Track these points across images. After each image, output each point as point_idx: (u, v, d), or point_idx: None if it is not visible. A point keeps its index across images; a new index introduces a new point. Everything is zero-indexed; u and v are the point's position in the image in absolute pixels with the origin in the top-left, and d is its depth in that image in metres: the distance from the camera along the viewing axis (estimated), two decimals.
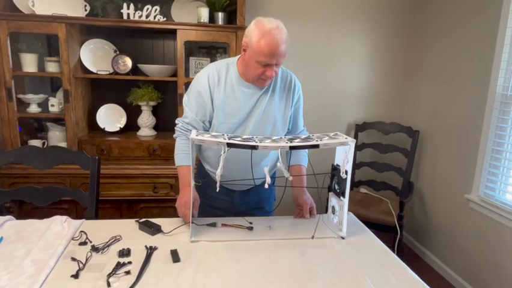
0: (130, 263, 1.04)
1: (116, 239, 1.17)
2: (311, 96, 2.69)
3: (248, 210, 1.42)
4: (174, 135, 1.38)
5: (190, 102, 1.34)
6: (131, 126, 2.42)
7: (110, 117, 2.37)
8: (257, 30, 1.19)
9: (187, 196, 1.24)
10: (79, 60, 2.20)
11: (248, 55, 1.23)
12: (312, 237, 1.23)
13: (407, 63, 2.75)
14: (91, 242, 1.15)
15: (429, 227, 2.55)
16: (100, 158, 1.51)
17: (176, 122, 1.38)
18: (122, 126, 2.38)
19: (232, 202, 1.43)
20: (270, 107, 1.33)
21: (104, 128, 2.34)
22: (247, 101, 1.31)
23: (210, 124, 1.34)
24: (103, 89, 2.41)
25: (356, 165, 2.68)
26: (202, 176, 1.46)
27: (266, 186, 1.11)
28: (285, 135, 1.41)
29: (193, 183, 1.21)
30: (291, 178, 1.15)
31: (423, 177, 2.62)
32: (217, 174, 1.14)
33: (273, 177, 1.49)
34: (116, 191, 2.08)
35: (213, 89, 1.31)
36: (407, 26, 2.70)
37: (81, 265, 1.03)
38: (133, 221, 1.30)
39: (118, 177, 2.07)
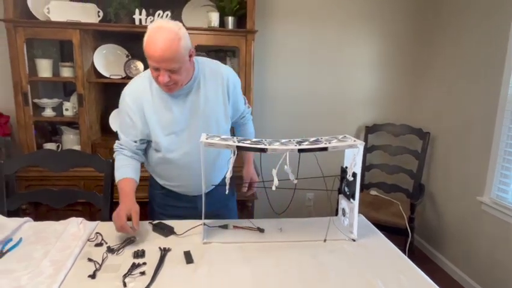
0: (144, 263, 1.07)
1: (130, 241, 1.19)
2: (320, 98, 2.70)
3: (214, 211, 1.40)
4: (114, 155, 1.34)
5: (120, 124, 1.30)
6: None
7: None
8: (147, 30, 1.12)
9: (120, 207, 1.17)
10: (92, 65, 2.25)
11: None
12: (325, 241, 1.23)
13: (417, 64, 2.74)
14: (106, 243, 1.18)
15: (440, 229, 2.53)
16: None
17: (114, 145, 1.35)
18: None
19: (196, 207, 1.38)
20: (207, 110, 1.28)
21: (116, 132, 2.36)
22: (179, 108, 1.26)
23: (147, 142, 1.32)
24: (115, 93, 2.42)
25: (365, 168, 2.67)
26: (157, 189, 1.43)
27: (274, 188, 1.10)
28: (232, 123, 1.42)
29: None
30: (296, 181, 1.15)
31: (434, 179, 2.60)
32: (227, 176, 1.14)
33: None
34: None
35: (140, 106, 1.25)
36: (417, 27, 2.69)
37: (97, 266, 1.05)
38: (146, 222, 1.32)
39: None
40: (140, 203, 2.08)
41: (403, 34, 2.69)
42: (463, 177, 2.32)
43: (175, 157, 1.31)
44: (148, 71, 1.27)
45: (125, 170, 1.27)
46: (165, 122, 1.27)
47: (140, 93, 1.27)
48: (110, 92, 2.46)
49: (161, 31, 1.10)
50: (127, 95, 1.27)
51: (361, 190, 1.20)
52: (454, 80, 2.42)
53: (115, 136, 2.38)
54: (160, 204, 1.45)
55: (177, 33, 1.12)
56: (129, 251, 1.14)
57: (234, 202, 1.59)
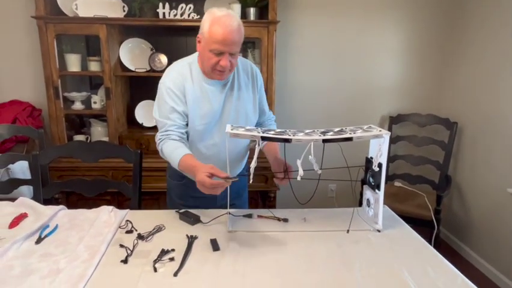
0: (173, 250, 1.10)
1: (159, 228, 1.23)
2: (343, 88, 2.66)
3: (230, 201, 1.41)
4: (159, 148, 1.31)
5: (162, 111, 1.30)
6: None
7: (148, 113, 2.46)
8: (208, 19, 1.20)
9: (198, 175, 1.12)
10: (118, 59, 2.30)
11: (202, 46, 1.24)
12: (348, 231, 1.24)
13: (445, 52, 2.65)
14: (136, 230, 1.22)
15: (468, 222, 2.46)
16: (142, 152, 1.59)
17: (155, 137, 1.33)
18: None
19: (215, 198, 1.42)
20: (240, 101, 1.34)
21: (142, 124, 2.44)
22: (217, 99, 1.31)
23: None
24: (140, 86, 2.50)
25: (390, 159, 2.63)
26: (177, 178, 1.45)
27: (298, 178, 1.12)
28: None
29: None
30: (320, 171, 1.17)
31: (461, 171, 2.53)
32: (252, 166, 1.17)
33: (245, 167, 1.49)
34: (155, 183, 2.17)
35: (182, 92, 1.28)
36: (446, 15, 2.59)
37: (129, 251, 1.10)
38: (173, 211, 1.35)
39: (156, 170, 2.15)
40: (158, 192, 2.10)
41: (431, 20, 2.60)
42: (492, 168, 2.25)
43: (203, 147, 1.34)
44: (187, 59, 1.33)
45: (181, 150, 1.25)
46: (204, 112, 1.30)
47: (183, 79, 1.30)
48: (135, 85, 2.51)
49: (230, 17, 1.19)
50: (169, 80, 1.29)
51: (385, 182, 1.20)
52: (485, 69, 2.32)
53: (141, 128, 2.49)
54: (180, 194, 1.47)
55: (240, 19, 1.22)
56: (158, 237, 1.18)
57: (246, 193, 1.61)
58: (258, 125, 1.49)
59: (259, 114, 1.46)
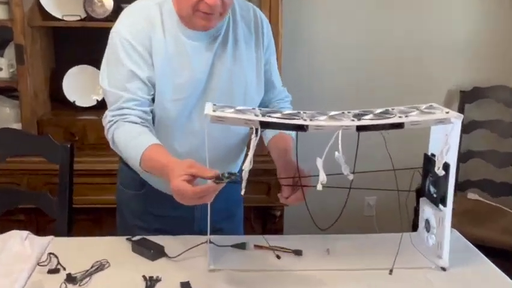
0: None
1: (101, 265, 1.22)
2: (387, 48, 2.67)
3: (214, 223, 1.41)
4: (109, 136, 1.33)
5: (116, 74, 1.31)
6: None
7: (83, 86, 2.43)
8: None
9: (173, 181, 1.10)
10: (37, 1, 2.27)
11: None
12: (390, 272, 1.23)
13: None
14: (64, 269, 1.20)
15: None
16: (74, 147, 1.58)
17: (103, 117, 1.36)
18: (100, 99, 2.43)
19: (192, 218, 1.47)
20: (236, 66, 1.37)
21: (74, 102, 2.42)
22: (201, 61, 1.33)
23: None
24: (72, 43, 2.49)
25: (461, 156, 2.62)
26: (134, 187, 1.48)
27: (319, 187, 1.10)
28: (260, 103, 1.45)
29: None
30: (351, 176, 1.17)
31: None
32: (245, 169, 1.14)
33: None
34: (95, 195, 2.17)
35: (145, 44, 1.29)
36: None
37: None
38: (123, 239, 1.34)
39: (97, 175, 2.14)
40: (102, 210, 2.11)
41: None
42: None
43: (177, 138, 1.37)
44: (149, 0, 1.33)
45: (144, 138, 1.25)
46: (180, 81, 1.32)
47: (149, 28, 1.30)
48: (63, 43, 2.49)
49: None
50: (127, 29, 1.30)
51: (454, 192, 1.19)
52: None
53: (72, 109, 2.46)
54: (138, 212, 1.49)
55: None
56: (99, 281, 1.16)
57: (241, 210, 1.63)
58: (263, 105, 1.49)
59: (266, 89, 1.47)
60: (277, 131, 1.43)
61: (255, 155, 1.15)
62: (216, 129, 1.31)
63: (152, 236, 1.36)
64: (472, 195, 2.61)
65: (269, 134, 1.46)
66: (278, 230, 2.37)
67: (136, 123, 1.28)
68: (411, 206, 2.21)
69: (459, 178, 2.65)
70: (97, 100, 2.46)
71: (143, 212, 1.48)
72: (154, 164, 1.21)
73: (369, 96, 2.68)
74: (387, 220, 2.74)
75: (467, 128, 2.62)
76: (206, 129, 1.16)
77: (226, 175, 1.08)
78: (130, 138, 1.26)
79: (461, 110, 2.63)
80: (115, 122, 1.29)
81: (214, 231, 1.36)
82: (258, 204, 2.31)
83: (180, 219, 1.46)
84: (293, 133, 1.43)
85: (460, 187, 2.65)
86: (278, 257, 1.31)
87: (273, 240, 1.36)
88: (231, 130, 1.41)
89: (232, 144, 1.45)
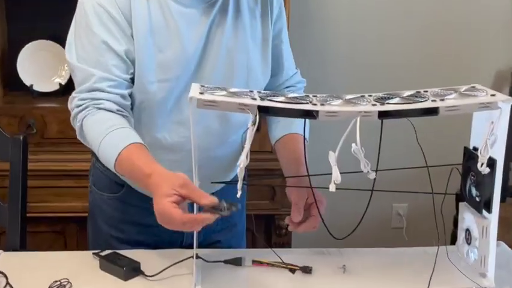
0: None
1: (60, 286, 1.21)
2: (418, 23, 2.69)
3: (211, 234, 1.44)
4: (75, 120, 1.33)
5: (87, 45, 1.31)
6: None
7: (43, 66, 2.45)
8: None
9: (158, 199, 1.13)
10: None
11: None
12: None
13: None
14: None
15: None
16: (27, 140, 1.57)
17: (70, 99, 1.36)
18: (64, 83, 2.44)
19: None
20: (237, 40, 1.38)
21: (31, 86, 2.42)
22: (193, 33, 1.34)
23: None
24: (25, 11, 2.48)
25: (510, 150, 2.62)
26: (109, 190, 1.50)
27: (331, 188, 1.10)
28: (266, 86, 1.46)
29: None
30: (374, 175, 1.17)
31: None
32: (240, 165, 1.13)
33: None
34: (58, 201, 2.19)
35: (127, 17, 1.30)
36: None
37: None
38: (90, 254, 1.34)
39: (61, 177, 2.17)
40: (67, 219, 2.11)
41: None
42: None
43: (161, 128, 1.38)
44: None
45: (121, 134, 1.25)
46: (167, 57, 1.32)
47: None
48: (16, 10, 2.48)
49: None
50: None
51: (503, 197, 1.18)
52: None
53: (28, 95, 2.44)
54: (113, 219, 1.50)
55: None
56: None
57: (244, 220, 1.64)
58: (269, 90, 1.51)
59: (274, 72, 1.49)
60: (287, 130, 1.46)
61: (257, 152, 1.15)
62: (212, 118, 1.35)
63: (127, 250, 1.36)
64: None
65: (276, 132, 1.48)
66: (286, 243, 2.38)
67: (111, 111, 1.28)
68: (451, 215, 2.20)
69: (509, 178, 2.64)
70: (60, 84, 2.46)
71: (121, 220, 1.49)
72: (134, 170, 1.21)
73: (395, 80, 2.67)
74: (420, 234, 2.73)
75: None
76: (191, 117, 1.15)
77: (226, 205, 1.10)
78: (103, 132, 1.25)
79: None
80: (84, 108, 1.29)
81: (211, 245, 1.40)
82: (261, 211, 2.29)
83: (166, 229, 1.42)
84: (306, 131, 1.42)
85: (510, 190, 2.64)
86: (296, 269, 1.30)
87: (278, 254, 1.34)
88: (232, 121, 1.41)
89: (234, 140, 1.45)
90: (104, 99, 1.28)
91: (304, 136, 1.37)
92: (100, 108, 1.28)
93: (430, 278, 1.24)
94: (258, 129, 1.14)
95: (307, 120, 1.32)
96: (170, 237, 1.43)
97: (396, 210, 2.77)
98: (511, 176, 2.65)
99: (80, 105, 1.30)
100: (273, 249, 1.38)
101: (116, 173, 1.26)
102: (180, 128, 1.38)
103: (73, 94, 1.33)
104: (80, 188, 2.16)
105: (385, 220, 2.77)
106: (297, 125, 1.45)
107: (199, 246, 1.30)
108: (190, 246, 1.39)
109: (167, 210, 1.08)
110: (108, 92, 1.29)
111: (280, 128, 1.48)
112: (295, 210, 1.32)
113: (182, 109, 1.36)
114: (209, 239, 1.34)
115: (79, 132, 1.32)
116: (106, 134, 1.24)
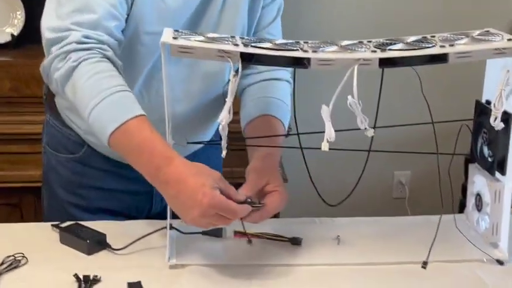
0: None
1: (14, 262, 1.19)
2: None
3: None
4: (62, 64, 1.21)
5: None
6: (34, 34, 2.36)
7: None
8: None
9: (209, 184, 1.12)
10: None
11: None
12: (424, 265, 1.22)
13: None
14: None
15: None
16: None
17: (57, 25, 1.24)
18: (17, 33, 2.45)
19: (150, 194, 1.47)
20: (232, 5, 1.40)
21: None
22: None
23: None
24: None
25: None
26: (65, 149, 1.48)
27: (324, 147, 1.09)
28: None
29: None
30: (372, 132, 1.16)
31: None
32: (221, 123, 1.12)
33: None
34: (10, 169, 2.22)
35: None
36: None
37: None
38: (48, 225, 1.33)
39: (13, 142, 2.16)
40: (21, 190, 2.08)
41: None
42: None
43: (144, 83, 1.39)
44: None
45: (129, 97, 1.21)
46: (166, 5, 1.31)
47: None
48: None
49: None
50: None
51: None
52: None
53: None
54: (72, 184, 1.48)
55: None
56: (12, 280, 1.14)
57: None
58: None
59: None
60: (258, 111, 1.44)
61: (236, 113, 1.17)
62: (186, 71, 1.36)
63: (90, 221, 1.34)
64: None
65: (246, 112, 1.46)
66: None
67: (115, 63, 1.22)
68: (459, 183, 2.17)
69: None
70: (12, 35, 2.45)
71: (80, 185, 1.47)
72: (145, 146, 1.15)
73: (399, 28, 2.63)
74: (424, 206, 2.75)
75: None
76: (164, 67, 1.14)
77: (249, 200, 1.18)
78: (106, 88, 1.17)
79: None
80: (87, 49, 1.20)
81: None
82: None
83: (133, 195, 1.48)
84: (285, 113, 1.46)
85: None
86: (285, 240, 1.30)
87: (263, 224, 1.31)
88: (207, 73, 1.43)
89: (208, 93, 1.46)
90: (110, 46, 1.23)
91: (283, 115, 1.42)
92: (104, 56, 1.21)
93: (431, 247, 1.24)
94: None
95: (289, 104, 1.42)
96: (137, 203, 1.47)
97: (398, 179, 2.80)
98: None
99: (84, 43, 1.20)
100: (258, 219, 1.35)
101: (107, 138, 1.16)
102: (161, 84, 1.32)
103: (68, 23, 1.21)
104: (38, 154, 2.16)
105: (386, 190, 2.79)
106: (271, 105, 1.45)
107: (172, 215, 1.25)
108: (159, 216, 1.42)
109: (225, 202, 1.09)
110: (114, 37, 1.24)
111: (256, 104, 1.47)
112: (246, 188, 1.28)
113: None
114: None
115: (66, 74, 1.20)
116: (112, 93, 1.17)
